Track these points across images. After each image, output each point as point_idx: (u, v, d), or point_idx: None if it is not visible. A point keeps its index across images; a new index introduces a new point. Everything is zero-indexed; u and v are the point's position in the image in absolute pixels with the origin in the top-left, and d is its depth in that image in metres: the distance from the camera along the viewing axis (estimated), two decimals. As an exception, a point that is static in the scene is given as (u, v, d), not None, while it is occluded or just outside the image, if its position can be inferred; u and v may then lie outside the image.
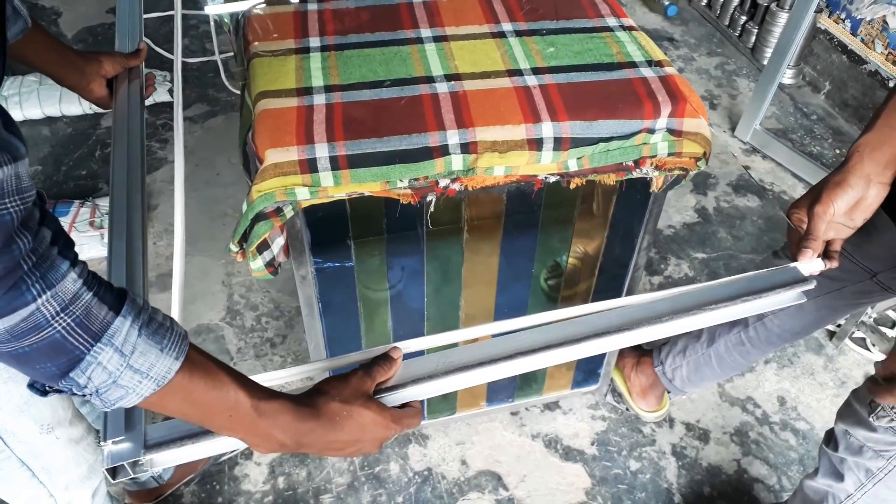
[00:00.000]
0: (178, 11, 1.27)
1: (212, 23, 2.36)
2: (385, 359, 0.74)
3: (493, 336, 0.82)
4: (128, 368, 0.55)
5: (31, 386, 0.59)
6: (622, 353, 1.66)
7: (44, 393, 0.59)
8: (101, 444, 0.67)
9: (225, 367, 0.64)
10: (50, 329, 0.51)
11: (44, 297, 0.51)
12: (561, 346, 0.78)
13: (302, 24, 1.16)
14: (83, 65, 1.07)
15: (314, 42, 1.12)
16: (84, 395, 0.57)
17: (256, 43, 1.12)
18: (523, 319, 0.83)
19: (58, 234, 0.53)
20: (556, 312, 0.83)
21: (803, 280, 0.87)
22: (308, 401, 0.68)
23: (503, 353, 0.77)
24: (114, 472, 0.66)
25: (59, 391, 0.57)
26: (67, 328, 0.52)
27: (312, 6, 1.20)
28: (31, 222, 0.51)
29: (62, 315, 0.52)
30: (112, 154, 0.98)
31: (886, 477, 1.07)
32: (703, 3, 3.02)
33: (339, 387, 0.70)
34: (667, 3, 2.96)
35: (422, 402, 1.51)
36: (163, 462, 0.69)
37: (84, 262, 0.55)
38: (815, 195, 0.91)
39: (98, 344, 0.54)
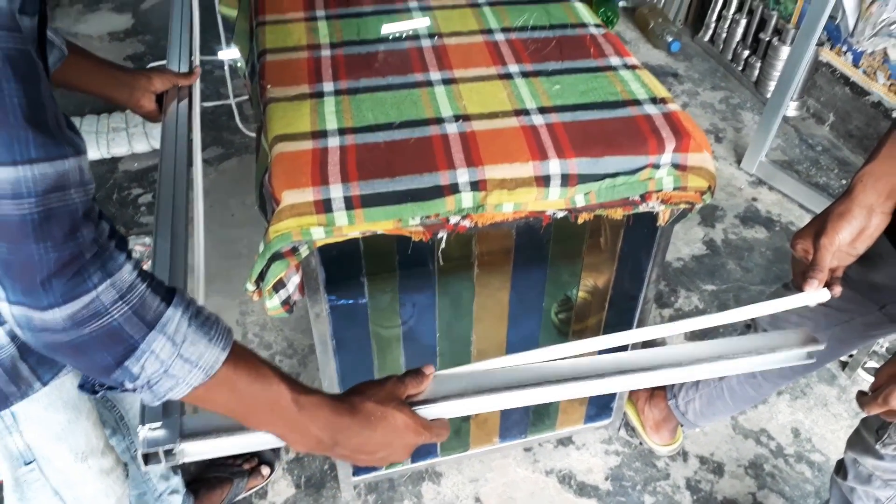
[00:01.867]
0: (196, 57, 1.31)
1: (226, 68, 2.43)
2: (417, 373, 0.77)
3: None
4: (178, 357, 0.58)
5: (81, 386, 0.61)
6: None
7: (94, 392, 0.61)
8: (139, 427, 0.69)
9: (267, 362, 0.67)
10: (108, 317, 0.54)
11: (104, 285, 0.54)
12: (587, 380, 0.80)
13: (316, 69, 1.20)
14: (131, 81, 1.12)
15: (328, 87, 1.16)
16: (135, 389, 0.59)
17: (272, 88, 1.16)
18: (536, 353, 0.84)
19: (113, 229, 0.57)
20: (568, 346, 0.85)
21: (813, 341, 0.87)
22: (345, 399, 0.71)
23: (533, 379, 0.79)
24: (147, 457, 0.68)
25: (111, 388, 0.59)
26: (125, 316, 0.55)
27: (326, 52, 1.24)
28: (92, 214, 0.55)
29: (120, 303, 0.55)
30: (160, 163, 1.04)
31: None
32: (706, 39, 3.08)
33: (374, 388, 0.73)
34: (670, 39, 3.02)
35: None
36: (196, 453, 0.70)
37: (138, 258, 0.59)
38: (819, 226, 0.93)
39: (152, 332, 0.56)
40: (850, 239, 0.91)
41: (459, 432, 1.53)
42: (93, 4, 3.21)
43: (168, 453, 0.69)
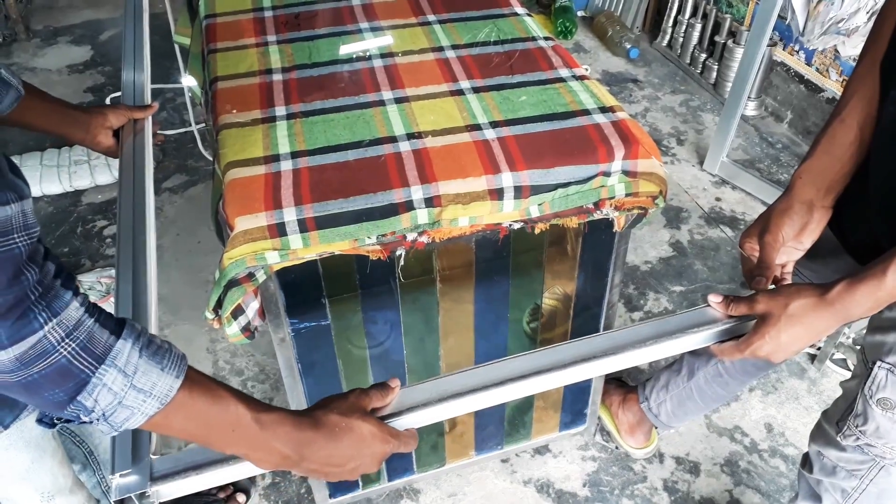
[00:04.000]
0: (148, 87, 1.31)
1: (187, 95, 2.43)
2: (382, 386, 0.77)
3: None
4: (132, 388, 0.59)
5: (39, 421, 0.62)
6: (608, 391, 1.68)
7: (52, 425, 0.62)
8: (109, 477, 0.69)
9: (224, 384, 0.67)
10: (56, 354, 0.55)
11: (50, 324, 0.55)
12: (549, 372, 0.82)
13: (268, 94, 1.20)
14: (87, 119, 1.14)
15: (280, 111, 1.17)
16: (91, 422, 0.59)
17: (224, 115, 1.16)
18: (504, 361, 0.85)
19: (60, 268, 0.58)
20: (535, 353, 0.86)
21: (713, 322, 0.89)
22: (308, 413, 0.72)
23: (495, 379, 0.80)
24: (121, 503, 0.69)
25: (68, 420, 0.60)
26: (73, 353, 0.56)
27: (277, 77, 1.25)
28: (37, 256, 0.56)
29: (67, 340, 0.55)
30: (119, 197, 1.05)
31: (861, 496, 1.08)
32: (664, 44, 3.13)
33: (337, 401, 0.74)
34: (629, 46, 3.06)
35: (411, 455, 1.51)
36: (169, 493, 0.71)
37: (85, 294, 0.59)
38: (763, 224, 0.95)
39: (102, 366, 0.57)
40: (793, 234, 0.93)
41: (436, 447, 1.53)
42: (51, 38, 3.19)
43: (142, 496, 0.69)
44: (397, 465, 1.51)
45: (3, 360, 0.53)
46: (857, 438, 1.02)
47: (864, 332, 1.04)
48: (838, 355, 1.85)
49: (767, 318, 0.82)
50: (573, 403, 1.58)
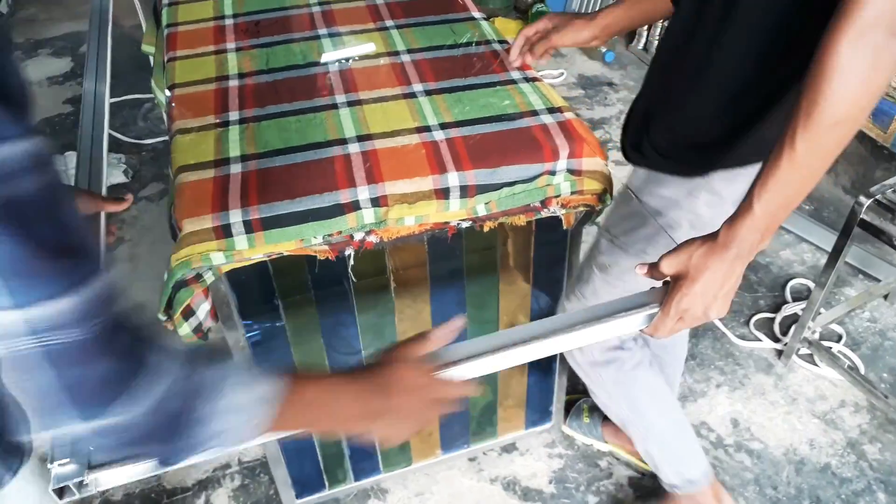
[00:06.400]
0: (107, 98, 1.34)
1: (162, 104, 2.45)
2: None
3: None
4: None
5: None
6: (612, 428, 1.61)
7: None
8: (48, 466, 0.70)
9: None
10: None
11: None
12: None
13: (223, 100, 1.23)
14: None
15: (234, 116, 1.19)
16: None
17: (178, 120, 1.18)
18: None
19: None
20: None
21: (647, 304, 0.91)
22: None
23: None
24: (60, 492, 0.70)
25: None
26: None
27: (234, 83, 1.27)
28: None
29: None
30: None
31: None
32: (640, 48, 3.16)
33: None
34: (604, 49, 3.10)
35: (377, 454, 1.52)
36: (109, 482, 0.72)
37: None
38: (559, 22, 1.26)
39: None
40: (571, 41, 1.26)
41: (403, 447, 1.55)
42: (32, 50, 3.22)
43: (80, 485, 0.70)
44: (364, 464, 1.53)
45: None
46: (579, 300, 1.16)
47: None
48: (805, 350, 1.87)
49: (678, 275, 0.87)
50: (539, 401, 1.60)
